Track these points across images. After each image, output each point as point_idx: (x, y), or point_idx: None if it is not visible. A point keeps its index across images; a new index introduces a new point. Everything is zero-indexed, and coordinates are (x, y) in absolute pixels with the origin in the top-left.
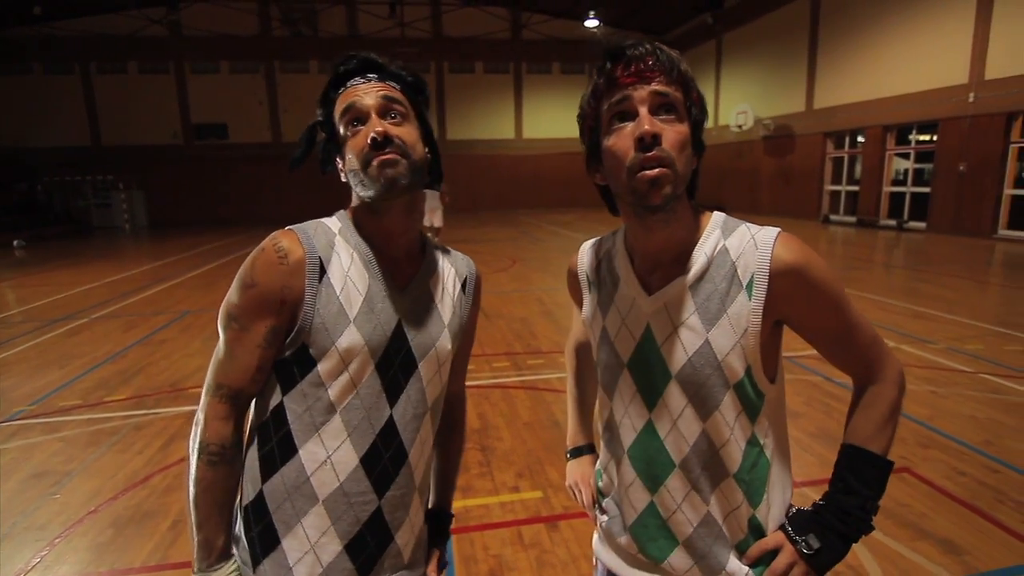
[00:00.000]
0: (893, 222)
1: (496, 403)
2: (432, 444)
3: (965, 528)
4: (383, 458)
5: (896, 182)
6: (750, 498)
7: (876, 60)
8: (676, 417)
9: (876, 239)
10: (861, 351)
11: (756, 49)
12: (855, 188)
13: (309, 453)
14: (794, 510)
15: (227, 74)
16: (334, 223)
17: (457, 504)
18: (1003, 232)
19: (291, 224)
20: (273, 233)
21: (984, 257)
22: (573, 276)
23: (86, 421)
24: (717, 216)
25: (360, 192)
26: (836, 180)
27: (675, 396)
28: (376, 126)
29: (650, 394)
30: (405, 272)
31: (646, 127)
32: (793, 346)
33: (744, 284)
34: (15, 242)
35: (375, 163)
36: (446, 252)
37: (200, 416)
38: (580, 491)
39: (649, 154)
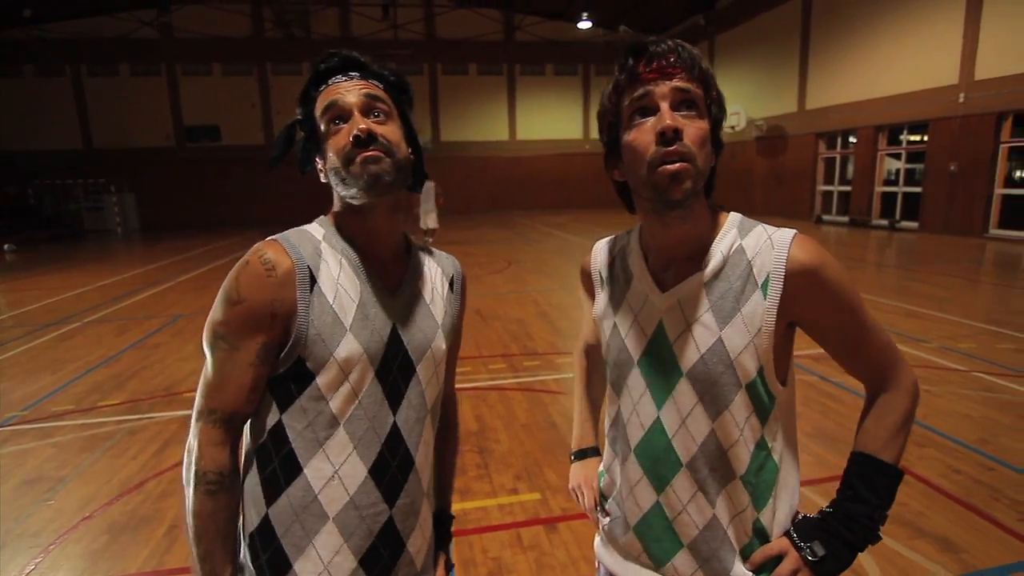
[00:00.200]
0: (885, 222)
1: (493, 405)
2: (433, 446)
3: (961, 526)
4: (391, 466)
5: (888, 182)
6: (756, 501)
7: (867, 61)
8: (685, 415)
9: (868, 239)
10: (874, 357)
11: (748, 50)
12: (847, 188)
13: (315, 470)
14: (800, 516)
15: (219, 76)
16: (316, 230)
17: (455, 507)
18: (994, 231)
19: (285, 226)
20: (255, 245)
21: (975, 256)
22: (586, 274)
23: (79, 426)
24: (734, 216)
25: (342, 191)
26: (828, 180)
27: (685, 394)
28: (359, 123)
29: (660, 391)
30: (394, 274)
31: (668, 122)
32: None
33: (759, 283)
34: (5, 246)
35: (358, 160)
36: (430, 252)
37: (193, 444)
38: (583, 494)
39: (670, 148)
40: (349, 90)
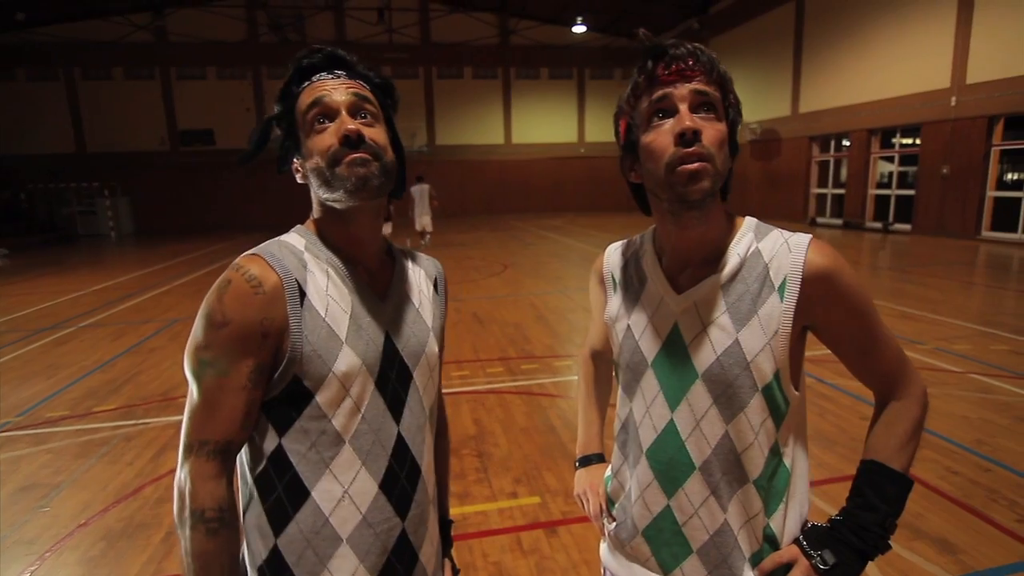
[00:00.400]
0: (879, 224)
1: (492, 409)
2: (433, 452)
3: (959, 527)
4: (400, 478)
5: (881, 185)
6: (768, 507)
7: (860, 65)
8: (700, 418)
9: (862, 241)
10: (885, 364)
11: (742, 54)
12: (841, 191)
13: (323, 492)
14: (810, 525)
15: (214, 80)
16: (296, 239)
17: (455, 511)
18: (986, 233)
19: (280, 230)
20: (235, 262)
21: (968, 258)
22: (598, 276)
23: (75, 432)
24: (750, 220)
25: (324, 194)
26: (822, 183)
27: (700, 396)
28: (348, 123)
29: (674, 394)
30: (380, 280)
31: (687, 123)
32: None
33: (776, 286)
34: None
35: (345, 161)
36: (411, 255)
37: (184, 480)
38: (588, 500)
39: (689, 149)
40: (336, 88)
